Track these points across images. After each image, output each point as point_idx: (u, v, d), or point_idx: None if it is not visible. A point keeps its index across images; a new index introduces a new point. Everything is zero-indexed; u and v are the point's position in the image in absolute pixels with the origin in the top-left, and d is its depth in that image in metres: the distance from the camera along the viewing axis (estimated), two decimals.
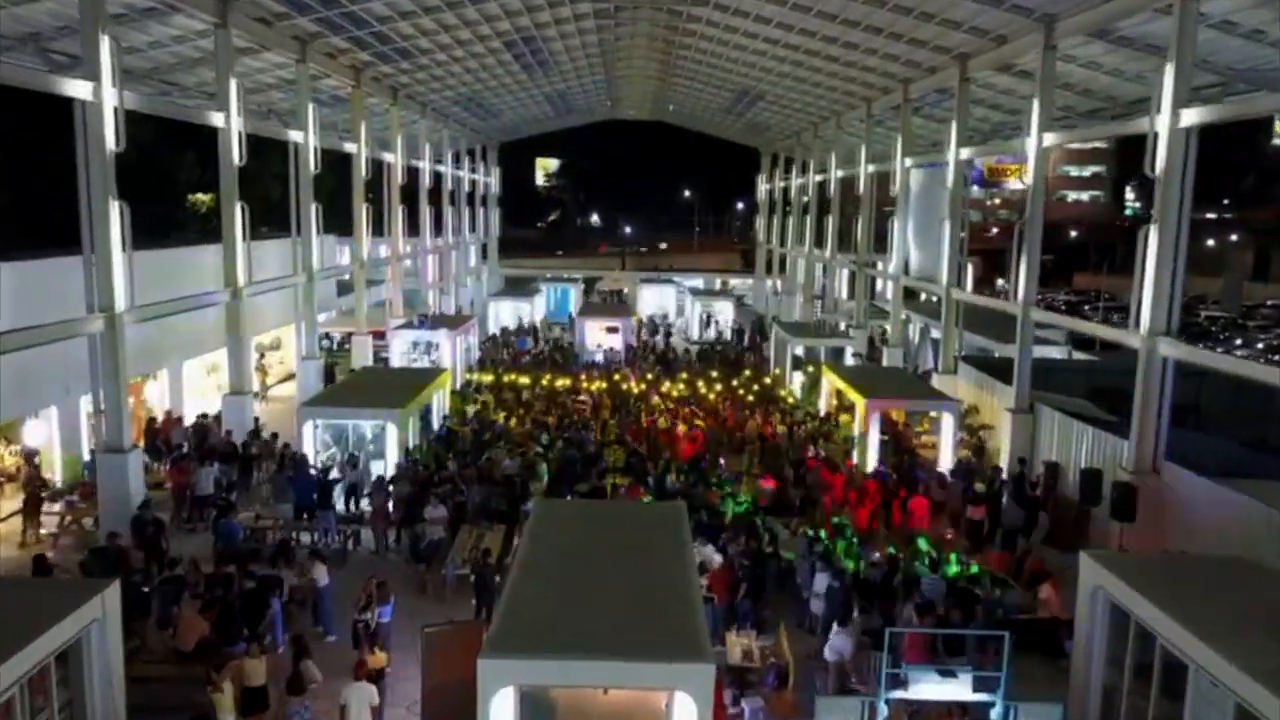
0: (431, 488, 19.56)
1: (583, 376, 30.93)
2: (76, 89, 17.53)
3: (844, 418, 26.42)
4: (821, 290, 54.03)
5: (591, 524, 13.42)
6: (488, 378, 30.17)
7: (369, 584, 14.80)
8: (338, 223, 40.14)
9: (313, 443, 21.06)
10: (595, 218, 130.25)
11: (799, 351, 34.55)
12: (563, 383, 29.62)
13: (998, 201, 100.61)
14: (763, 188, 65.69)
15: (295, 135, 27.96)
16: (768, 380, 33.87)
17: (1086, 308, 66.93)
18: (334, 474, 20.52)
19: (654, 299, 58.38)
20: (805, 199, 52.16)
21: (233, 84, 22.59)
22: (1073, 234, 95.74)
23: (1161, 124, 17.38)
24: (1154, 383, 18.13)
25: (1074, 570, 18.28)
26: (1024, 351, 23.58)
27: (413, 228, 44.84)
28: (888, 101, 35.26)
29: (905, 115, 33.16)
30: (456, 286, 54.90)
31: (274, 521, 19.19)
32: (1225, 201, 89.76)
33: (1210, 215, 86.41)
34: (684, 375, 32.68)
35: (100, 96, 17.74)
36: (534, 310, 50.07)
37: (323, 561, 15.94)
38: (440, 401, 25.90)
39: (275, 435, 23.35)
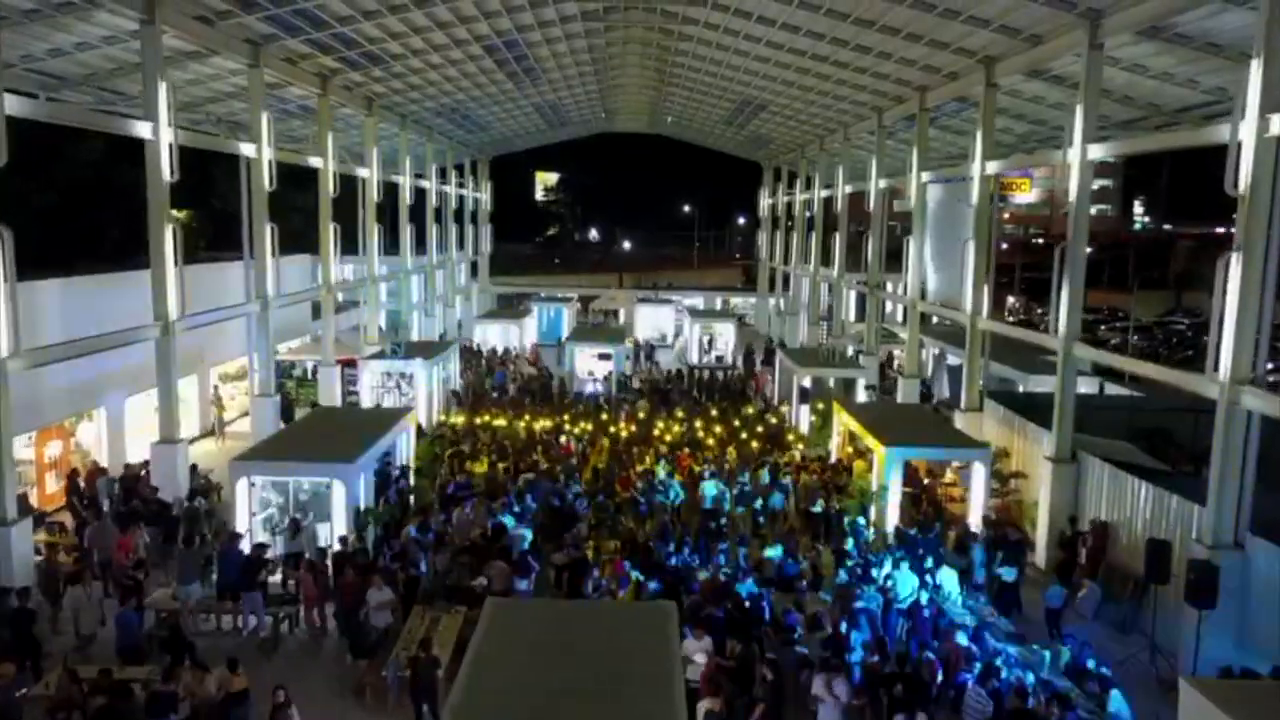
0: (375, 568, 16.57)
1: (565, 416, 27.76)
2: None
3: (859, 465, 23.47)
4: (827, 311, 51.22)
5: (551, 640, 10.49)
6: (459, 419, 26.98)
7: (273, 696, 12.00)
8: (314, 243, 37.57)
9: (247, 504, 18.12)
10: (594, 233, 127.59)
11: (806, 383, 31.63)
12: (544, 424, 26.48)
13: (1006, 216, 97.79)
14: (765, 203, 62.90)
15: (247, 149, 25.15)
16: (773, 419, 30.77)
17: (1102, 328, 63.80)
18: (273, 541, 17.65)
19: (651, 320, 55.51)
20: (810, 215, 49.38)
21: (162, 90, 19.83)
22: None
23: (1247, 131, 14.52)
24: (1236, 440, 15.22)
25: (1137, 666, 15.53)
26: (1066, 391, 20.67)
27: (394, 247, 42.06)
28: (901, 111, 32.46)
29: (921, 126, 30.33)
30: (443, 307, 52.24)
31: (180, 606, 16.17)
32: None
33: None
34: (680, 413, 29.42)
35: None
36: (523, 333, 47.05)
37: (232, 671, 12.99)
38: (405, 447, 22.96)
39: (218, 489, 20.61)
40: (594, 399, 33.17)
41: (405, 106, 38.78)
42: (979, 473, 20.92)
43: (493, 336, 45.97)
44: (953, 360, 37.86)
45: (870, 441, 21.89)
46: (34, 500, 22.00)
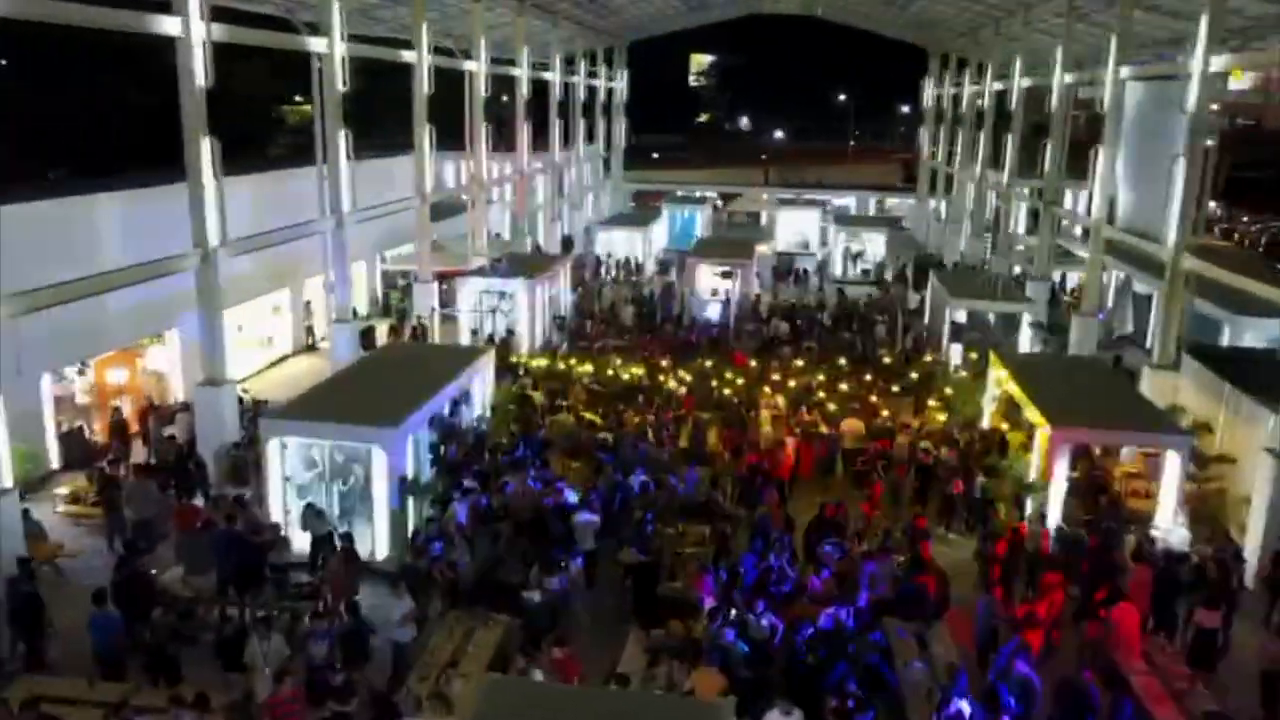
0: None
1: (663, 361, 24.02)
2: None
3: (1013, 437, 19.18)
4: (993, 222, 45.24)
5: None
6: (539, 362, 23.87)
7: None
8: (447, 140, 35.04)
9: (280, 469, 15.78)
10: (744, 121, 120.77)
11: (960, 316, 27.01)
12: (635, 371, 22.91)
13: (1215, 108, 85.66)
14: (929, 93, 56.12)
15: (317, 44, 22.20)
16: (927, 360, 26.19)
17: None
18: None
19: (793, 225, 50.77)
20: (980, 110, 43.09)
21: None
22: None
23: None
24: None
25: None
26: None
27: (512, 143, 38.92)
28: None
29: (1125, 4, 24.42)
30: (568, 210, 49.20)
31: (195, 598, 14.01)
32: None
33: None
34: (798, 360, 24.89)
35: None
36: (649, 240, 43.43)
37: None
38: (482, 391, 20.21)
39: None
40: (708, 330, 29.48)
41: None
42: (1173, 464, 16.41)
43: (618, 245, 42.45)
44: (1139, 288, 32.17)
45: (1032, 414, 17.58)
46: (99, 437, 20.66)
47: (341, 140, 22.83)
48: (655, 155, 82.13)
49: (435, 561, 14.25)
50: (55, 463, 19.52)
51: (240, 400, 21.40)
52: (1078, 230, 37.18)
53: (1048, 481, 16.52)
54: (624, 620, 14.17)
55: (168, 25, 16.69)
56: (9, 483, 13.23)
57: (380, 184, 33.24)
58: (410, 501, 15.90)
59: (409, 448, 16.09)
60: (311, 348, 29.63)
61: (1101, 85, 26.26)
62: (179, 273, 17.85)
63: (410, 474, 16.04)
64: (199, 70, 17.23)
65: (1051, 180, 31.53)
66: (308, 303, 29.67)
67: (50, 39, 31.27)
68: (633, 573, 14.56)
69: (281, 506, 15.76)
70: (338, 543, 14.52)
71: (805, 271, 41.76)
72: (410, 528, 15.69)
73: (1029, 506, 16.87)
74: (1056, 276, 35.68)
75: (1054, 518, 16.40)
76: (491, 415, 19.63)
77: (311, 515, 15.07)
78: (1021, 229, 43.19)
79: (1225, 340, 25.62)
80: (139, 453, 19.72)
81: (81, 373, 21.36)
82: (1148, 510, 16.98)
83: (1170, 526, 16.36)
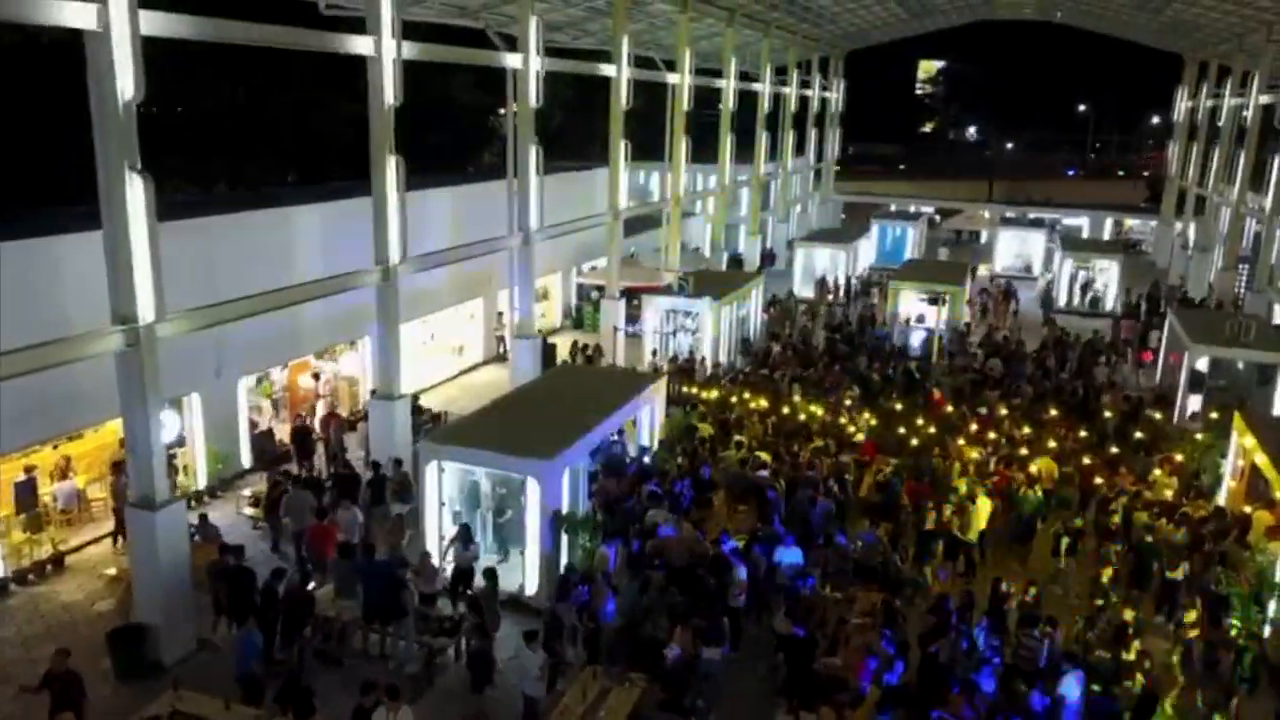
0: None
1: (846, 400, 22.17)
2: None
3: (1260, 518, 16.29)
4: (1250, 252, 40.07)
5: None
6: (711, 393, 22.65)
7: None
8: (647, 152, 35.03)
9: (436, 493, 15.58)
10: (971, 131, 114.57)
11: (1202, 364, 23.66)
12: (815, 410, 21.21)
13: None
14: (1181, 105, 50.61)
15: (512, 60, 22.15)
16: (1157, 416, 22.90)
17: None
18: (444, 554, 15.01)
19: (1014, 246, 47.10)
20: (1243, 124, 38.19)
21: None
22: None
23: None
24: None
25: None
26: None
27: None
28: None
29: None
30: (772, 224, 47.91)
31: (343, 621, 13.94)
32: None
33: None
34: (1001, 408, 22.25)
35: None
36: (854, 258, 41.32)
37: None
38: (651, 420, 19.41)
39: None
40: (903, 360, 27.36)
41: None
42: None
43: (819, 263, 40.61)
44: None
45: None
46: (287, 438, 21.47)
47: (532, 156, 22.69)
48: (884, 162, 79.05)
49: (579, 607, 13.56)
50: (247, 462, 20.40)
51: (419, 410, 21.78)
52: None
53: None
54: (773, 694, 12.95)
55: (360, 45, 16.89)
56: (165, 492, 13.42)
57: (581, 196, 33.44)
58: (564, 537, 15.29)
59: (565, 480, 15.47)
60: (502, 357, 29.96)
61: None
62: (360, 288, 18.06)
63: (566, 508, 15.44)
64: (389, 88, 17.34)
65: None
66: (500, 313, 30.01)
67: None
68: (785, 645, 13.22)
69: (437, 530, 15.54)
70: (479, 579, 14.05)
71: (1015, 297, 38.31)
72: (564, 564, 15.10)
73: (1272, 608, 14.17)
74: None
75: None
76: (657, 449, 18.74)
77: (460, 542, 14.72)
78: None
79: None
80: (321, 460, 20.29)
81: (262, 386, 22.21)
82: None
83: None
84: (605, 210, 28.75)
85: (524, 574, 15.23)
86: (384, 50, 17.12)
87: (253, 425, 20.88)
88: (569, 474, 15.68)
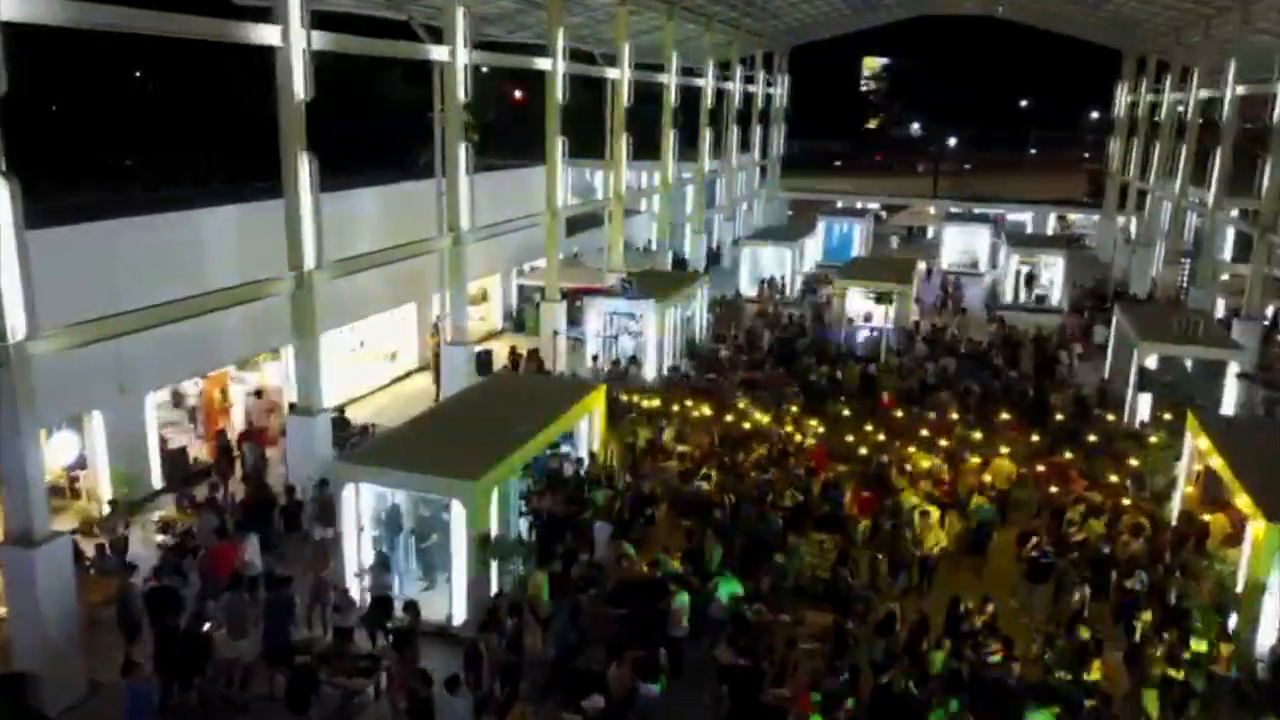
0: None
1: (793, 405, 21.31)
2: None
3: (1216, 522, 15.80)
4: (1192, 246, 40.37)
5: None
6: (652, 401, 21.19)
7: None
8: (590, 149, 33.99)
9: (354, 517, 14.44)
10: (915, 126, 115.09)
11: (1150, 362, 23.25)
12: (762, 417, 20.36)
13: None
14: (1121, 100, 50.83)
15: (439, 53, 20.98)
16: (1109, 418, 22.39)
17: None
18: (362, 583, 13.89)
19: (960, 242, 46.87)
20: (1182, 119, 38.23)
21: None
22: None
23: None
24: None
25: None
26: None
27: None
28: None
29: None
30: (718, 222, 47.20)
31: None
32: None
33: None
34: (951, 410, 21.48)
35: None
36: (800, 256, 40.58)
37: None
38: (590, 433, 18.41)
39: None
40: (856, 357, 26.70)
41: None
42: None
43: (766, 263, 39.79)
44: None
45: (1244, 505, 14.27)
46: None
47: (461, 153, 21.56)
48: (829, 158, 78.73)
49: (502, 639, 12.54)
50: (158, 483, 19.04)
51: (345, 424, 20.55)
52: None
53: (1260, 589, 13.25)
54: None
55: (266, 35, 15.66)
56: (45, 527, 12.11)
57: (521, 195, 32.21)
58: (494, 563, 14.23)
59: (494, 501, 14.42)
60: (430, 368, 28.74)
61: None
62: (272, 296, 16.83)
63: (495, 530, 14.38)
64: (299, 82, 16.14)
65: (1270, 201, 27.15)
66: (439, 317, 28.79)
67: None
68: (729, 676, 12.33)
69: (356, 558, 14.40)
70: (398, 610, 12.96)
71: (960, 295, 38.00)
72: (495, 591, 14.08)
73: (1234, 620, 13.62)
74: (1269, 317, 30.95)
75: (1269, 637, 13.17)
76: (592, 463, 17.74)
77: (377, 569, 13.61)
78: (1226, 256, 38.14)
79: None
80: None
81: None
82: None
83: None
84: (544, 209, 27.67)
85: (450, 603, 14.17)
86: (292, 40, 15.92)
87: (163, 443, 19.50)
88: (498, 493, 14.63)
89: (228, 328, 19.40)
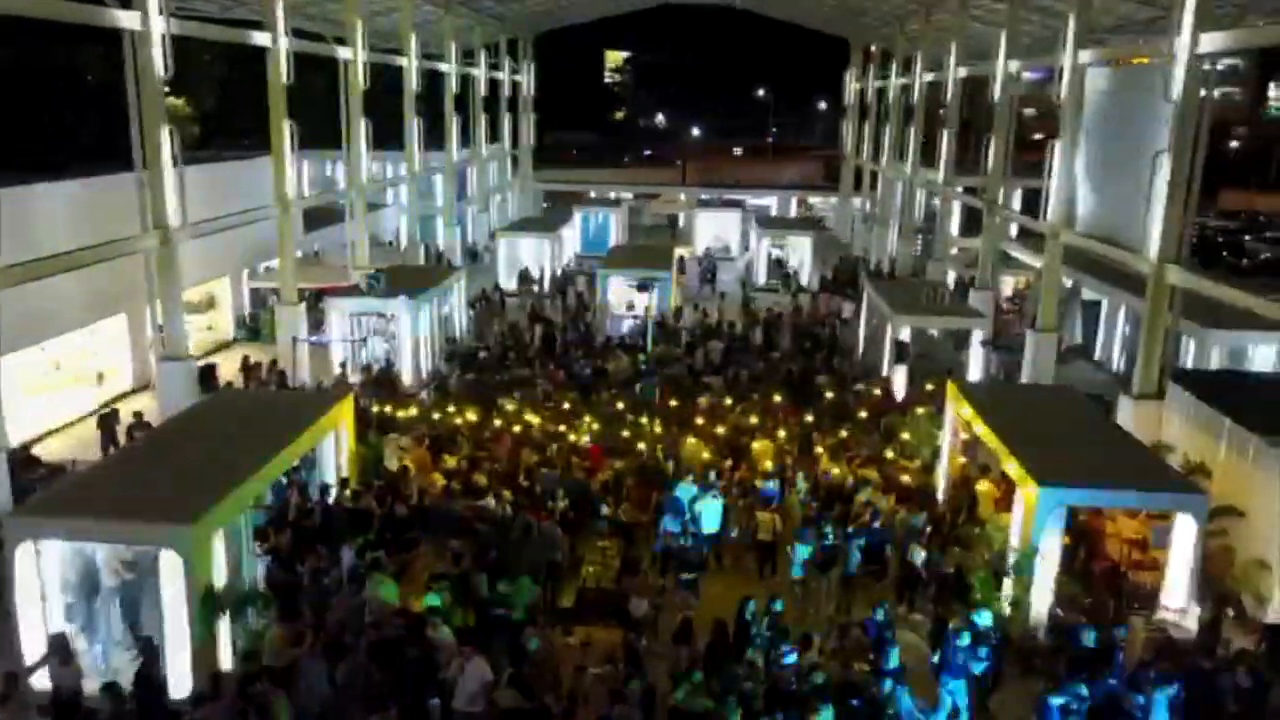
0: None
1: (564, 404, 19.98)
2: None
3: (983, 489, 16.03)
4: (924, 223, 42.84)
5: None
6: (408, 411, 19.02)
7: None
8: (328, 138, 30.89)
9: (36, 582, 11.61)
10: (660, 118, 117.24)
11: (904, 334, 23.81)
12: (533, 418, 18.88)
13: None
14: (851, 87, 53.44)
15: (129, 20, 17.85)
16: (876, 392, 22.62)
17: (1248, 239, 52.32)
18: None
19: (713, 228, 47.43)
20: (908, 103, 40.36)
21: None
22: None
23: None
24: None
25: None
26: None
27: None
28: None
29: None
30: (474, 214, 45.23)
31: None
32: None
33: None
34: (712, 389, 21.32)
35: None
36: (559, 246, 39.37)
37: None
38: (334, 452, 16.19)
39: None
40: (624, 347, 25.90)
41: None
42: (1185, 531, 13.38)
43: (525, 255, 38.28)
44: (1089, 295, 29.82)
45: (1013, 471, 14.38)
46: None
47: (165, 139, 18.54)
48: (581, 150, 78.17)
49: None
50: None
51: (31, 463, 17.16)
52: (1013, 230, 34.75)
53: (1033, 553, 13.32)
54: None
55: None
56: None
57: (252, 187, 28.77)
58: (223, 620, 11.88)
59: (219, 545, 12.04)
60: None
61: (1058, 73, 23.44)
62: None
63: (221, 581, 12.02)
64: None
65: (995, 178, 28.85)
66: (160, 327, 25.16)
67: None
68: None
69: (40, 636, 11.58)
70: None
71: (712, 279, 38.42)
72: (226, 654, 11.77)
73: (1007, 585, 13.65)
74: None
75: (1043, 604, 13.28)
76: (341, 487, 15.58)
77: (55, 657, 10.92)
78: (955, 230, 40.71)
79: (1190, 360, 23.08)
80: None
81: None
82: (1151, 585, 13.96)
83: (1183, 606, 13.38)
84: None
85: (171, 673, 11.69)
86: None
87: None
88: (225, 534, 12.27)
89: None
